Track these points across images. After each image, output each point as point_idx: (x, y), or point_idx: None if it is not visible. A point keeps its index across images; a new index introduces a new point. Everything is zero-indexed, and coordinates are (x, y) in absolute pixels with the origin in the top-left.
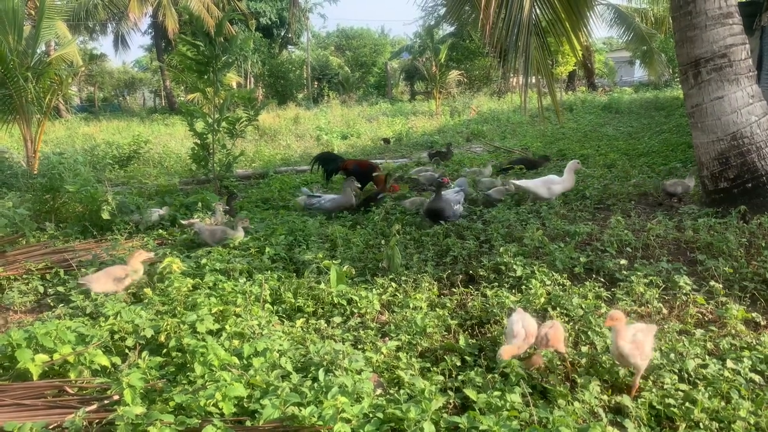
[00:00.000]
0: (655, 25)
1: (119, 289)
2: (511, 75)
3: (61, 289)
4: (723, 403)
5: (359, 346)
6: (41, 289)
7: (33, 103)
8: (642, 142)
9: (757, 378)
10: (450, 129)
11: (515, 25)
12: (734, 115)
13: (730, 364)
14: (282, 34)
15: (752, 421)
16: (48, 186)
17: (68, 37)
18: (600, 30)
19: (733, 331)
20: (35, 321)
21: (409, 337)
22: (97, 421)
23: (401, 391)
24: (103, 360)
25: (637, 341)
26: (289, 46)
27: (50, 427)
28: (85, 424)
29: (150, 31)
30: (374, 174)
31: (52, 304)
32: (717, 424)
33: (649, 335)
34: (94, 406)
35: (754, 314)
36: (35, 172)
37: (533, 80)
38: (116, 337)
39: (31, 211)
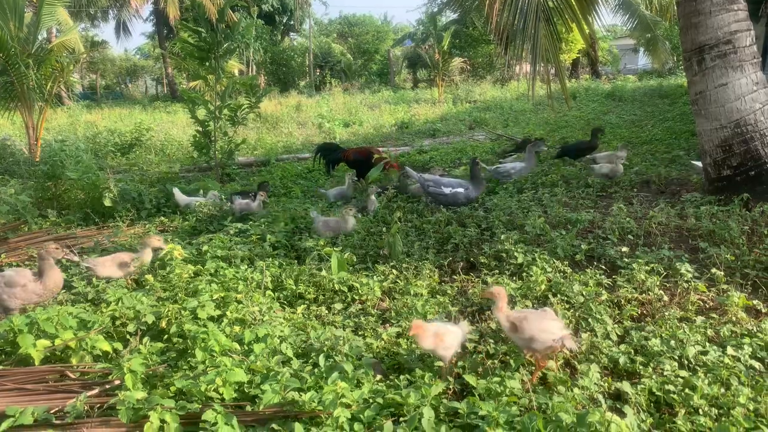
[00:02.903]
0: (660, 12)
1: (124, 275)
2: (515, 62)
3: (63, 275)
4: (723, 390)
5: (360, 333)
6: None
7: (34, 91)
8: (645, 130)
9: (757, 365)
10: (453, 117)
11: (523, 12)
12: (738, 102)
13: (730, 351)
14: (284, 21)
15: (752, 408)
16: (50, 173)
17: (69, 24)
18: (604, 17)
19: (734, 319)
20: (37, 306)
21: (410, 323)
22: (98, 405)
23: (401, 377)
24: (105, 345)
25: (438, 335)
26: (291, 33)
27: (52, 411)
28: (86, 408)
29: (152, 18)
30: (375, 158)
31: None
32: (716, 411)
33: (451, 329)
34: (95, 391)
35: (755, 301)
36: (37, 160)
37: (540, 67)
38: (118, 323)
39: (33, 198)
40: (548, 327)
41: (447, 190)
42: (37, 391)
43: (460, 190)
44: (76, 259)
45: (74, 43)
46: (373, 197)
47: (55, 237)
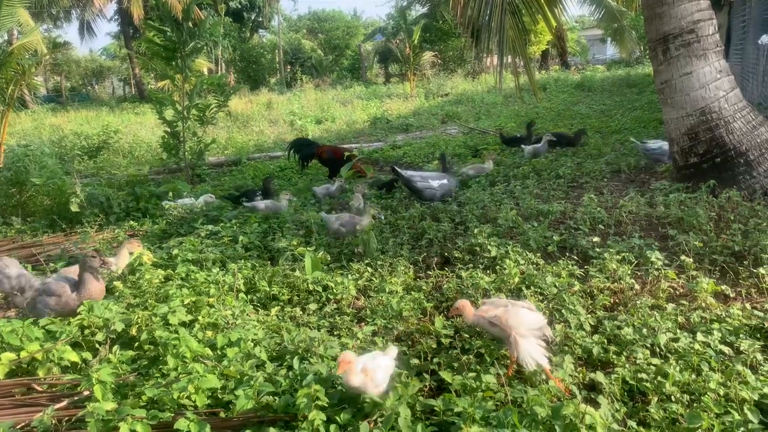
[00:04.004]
0: (626, 2)
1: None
2: (485, 55)
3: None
4: (694, 376)
5: (335, 333)
6: None
7: None
8: (614, 120)
9: (726, 350)
10: (425, 111)
11: (488, 4)
12: (702, 91)
13: (700, 336)
14: (252, 17)
15: (722, 393)
16: (14, 179)
17: (31, 25)
18: (572, 8)
19: (704, 305)
20: (1, 318)
21: (385, 321)
22: (67, 418)
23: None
24: (73, 356)
25: (367, 370)
26: (260, 30)
27: (18, 426)
28: (54, 421)
29: (116, 17)
30: (346, 155)
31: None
32: (688, 397)
33: (381, 363)
34: (63, 403)
35: (723, 287)
36: (0, 166)
37: (509, 60)
38: (86, 332)
39: None
40: (529, 319)
41: (435, 183)
42: (2, 406)
43: (445, 182)
44: (113, 268)
45: (36, 45)
46: (359, 195)
47: (20, 245)
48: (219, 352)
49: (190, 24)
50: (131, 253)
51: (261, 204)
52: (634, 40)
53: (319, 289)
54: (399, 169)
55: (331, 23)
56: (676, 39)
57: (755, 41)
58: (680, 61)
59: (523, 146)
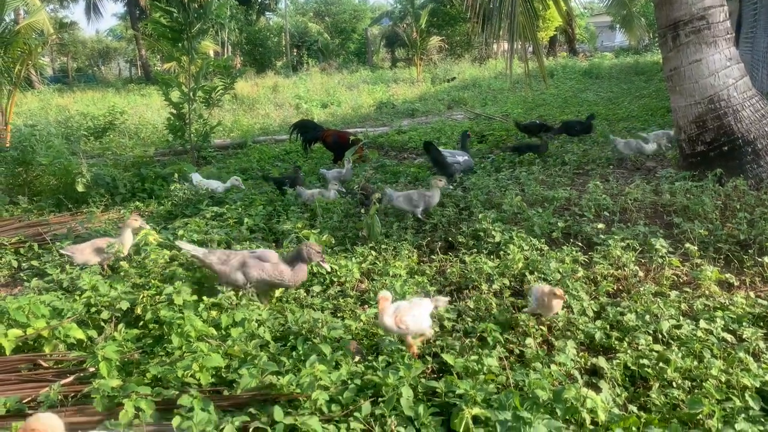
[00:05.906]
0: None
1: (101, 261)
2: (493, 41)
3: (35, 263)
4: (696, 363)
5: (338, 314)
6: (15, 264)
7: (2, 74)
8: (622, 107)
9: (729, 337)
10: (431, 96)
11: None
12: (712, 78)
13: (703, 324)
14: (259, 0)
15: (723, 379)
16: (20, 159)
17: (37, 5)
18: None
19: (707, 292)
20: (8, 296)
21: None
22: (72, 394)
23: (380, 358)
24: (79, 333)
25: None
26: (267, 13)
27: (24, 401)
28: (60, 397)
29: None
30: (351, 140)
31: (25, 278)
32: (689, 383)
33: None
34: (69, 379)
35: (727, 275)
36: (7, 145)
37: (518, 45)
38: (92, 310)
39: (3, 184)
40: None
41: (461, 159)
42: (8, 381)
43: (467, 158)
44: (327, 267)
45: (43, 25)
46: (348, 166)
47: (27, 224)
48: (223, 332)
49: (197, 5)
50: (135, 233)
51: (306, 192)
52: (642, 27)
53: (323, 271)
54: (432, 144)
55: (338, 7)
56: (686, 26)
57: (766, 29)
58: (690, 48)
59: (613, 137)
